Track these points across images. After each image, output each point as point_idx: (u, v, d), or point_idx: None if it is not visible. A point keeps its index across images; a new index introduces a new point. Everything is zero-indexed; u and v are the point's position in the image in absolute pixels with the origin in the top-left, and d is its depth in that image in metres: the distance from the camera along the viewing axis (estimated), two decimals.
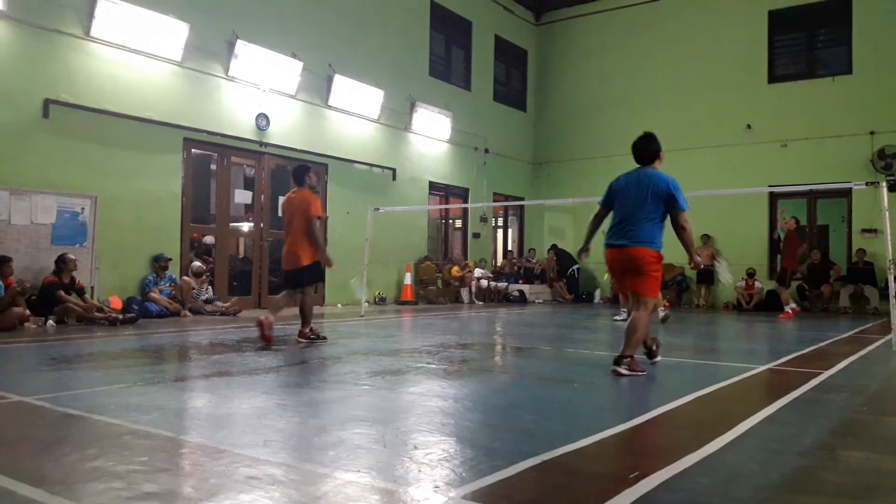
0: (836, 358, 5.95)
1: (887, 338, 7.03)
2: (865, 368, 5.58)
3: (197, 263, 10.12)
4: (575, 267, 16.10)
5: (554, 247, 16.52)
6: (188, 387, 4.29)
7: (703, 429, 3.35)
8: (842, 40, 14.08)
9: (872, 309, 12.67)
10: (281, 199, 11.67)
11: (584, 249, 5.40)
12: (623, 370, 4.76)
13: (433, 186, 14.57)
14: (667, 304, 12.91)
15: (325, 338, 6.66)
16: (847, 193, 13.48)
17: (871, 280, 12.90)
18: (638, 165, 5.08)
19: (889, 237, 6.78)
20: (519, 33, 17.42)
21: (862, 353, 6.42)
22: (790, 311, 11.00)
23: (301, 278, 6.42)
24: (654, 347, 5.39)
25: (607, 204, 5.15)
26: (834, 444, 3.05)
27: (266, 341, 6.10)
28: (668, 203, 4.81)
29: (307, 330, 6.52)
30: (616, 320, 10.85)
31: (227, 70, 10.44)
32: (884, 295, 11.87)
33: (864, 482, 2.51)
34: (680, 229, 4.86)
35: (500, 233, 18.10)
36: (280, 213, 11.72)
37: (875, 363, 5.93)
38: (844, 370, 5.29)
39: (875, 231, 12.90)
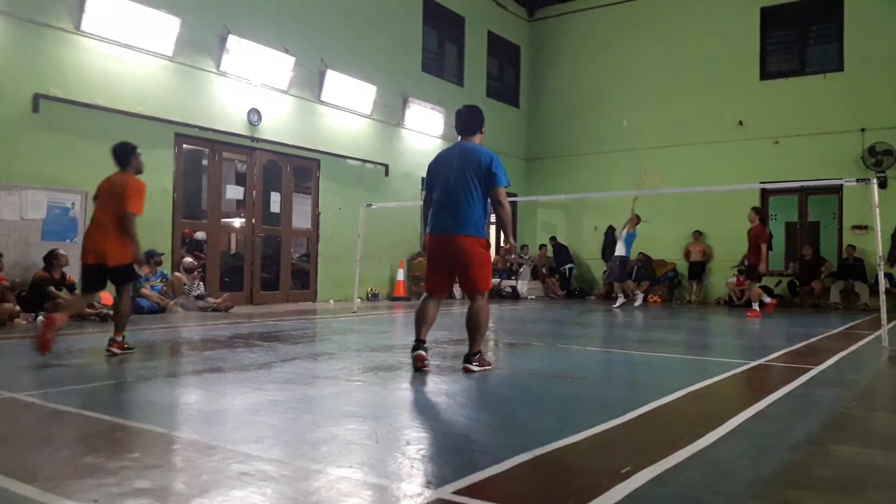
0: (827, 353, 5.98)
1: (877, 333, 7.07)
2: (856, 364, 5.62)
3: (188, 259, 10.07)
4: (567, 266, 16.12)
5: (553, 239, 16.51)
6: (180, 383, 4.27)
7: (694, 424, 3.36)
8: (833, 37, 14.13)
9: (862, 305, 12.76)
10: (274, 196, 11.70)
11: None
12: (474, 367, 4.58)
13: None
14: (659, 299, 12.92)
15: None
16: (838, 190, 13.54)
17: (861, 276, 12.99)
18: (459, 138, 4.79)
19: (879, 233, 6.81)
20: (512, 29, 17.41)
21: (852, 348, 6.47)
22: (758, 309, 10.51)
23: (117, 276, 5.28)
24: None
25: (432, 186, 4.73)
26: (824, 439, 3.07)
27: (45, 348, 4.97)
28: (489, 178, 4.51)
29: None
30: (614, 308, 11.11)
31: (218, 65, 10.38)
32: (874, 291, 11.98)
33: (854, 476, 2.53)
34: (497, 206, 4.56)
35: (492, 229, 18.10)
36: (273, 210, 11.73)
37: (865, 359, 5.97)
38: (835, 366, 5.32)
39: (865, 227, 12.99)
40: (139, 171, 5.59)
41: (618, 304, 12.27)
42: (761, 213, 10.72)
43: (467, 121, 4.78)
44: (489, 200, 4.64)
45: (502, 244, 4.78)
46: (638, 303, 12.57)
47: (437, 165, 4.74)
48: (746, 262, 10.87)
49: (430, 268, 4.77)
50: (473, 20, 16.03)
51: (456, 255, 4.57)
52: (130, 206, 5.21)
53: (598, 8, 16.70)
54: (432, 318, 4.74)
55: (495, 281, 15.06)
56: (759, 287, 13.70)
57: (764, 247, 10.28)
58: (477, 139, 4.78)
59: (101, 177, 8.87)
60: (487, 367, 4.66)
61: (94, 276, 5.27)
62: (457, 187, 4.53)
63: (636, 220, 12.02)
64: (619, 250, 12.05)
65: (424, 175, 5.01)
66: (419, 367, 4.62)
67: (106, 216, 5.26)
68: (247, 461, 2.52)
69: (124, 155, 5.53)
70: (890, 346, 6.47)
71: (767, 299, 10.78)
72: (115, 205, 5.22)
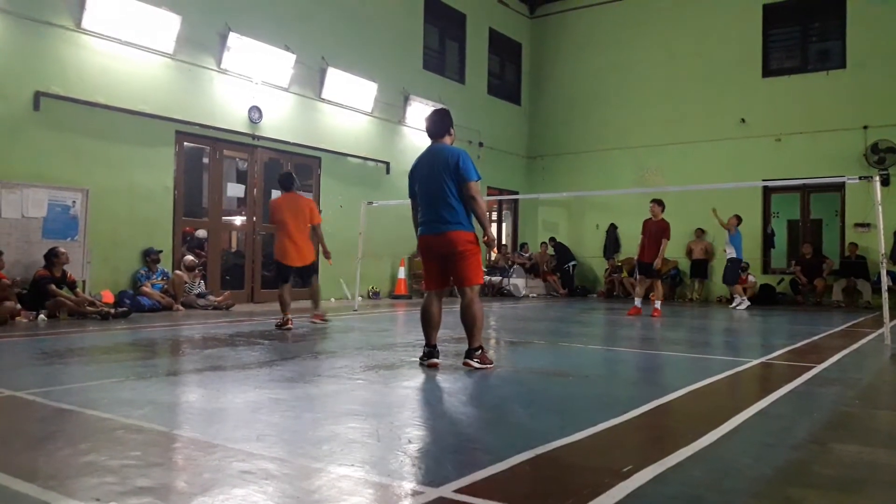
0: (829, 351, 5.97)
1: (879, 331, 7.07)
2: (858, 362, 5.61)
3: (189, 257, 10.08)
4: (571, 263, 16.11)
5: (552, 239, 16.51)
6: (181, 381, 4.28)
7: (696, 422, 3.36)
8: (836, 35, 14.11)
9: (865, 303, 12.75)
10: (275, 194, 11.65)
11: None
12: (475, 363, 4.64)
13: None
14: (662, 298, 12.94)
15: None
16: (840, 188, 13.53)
17: (863, 274, 12.97)
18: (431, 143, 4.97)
19: (882, 231, 6.80)
20: (513, 26, 17.38)
21: (854, 346, 6.46)
22: (637, 307, 10.04)
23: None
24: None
25: (414, 192, 4.92)
26: (826, 438, 3.06)
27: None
28: (457, 174, 4.60)
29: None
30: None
31: (219, 63, 10.38)
32: (876, 289, 11.99)
33: (855, 475, 2.52)
34: (470, 200, 4.62)
35: (493, 227, 18.08)
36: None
37: (867, 357, 5.97)
38: (837, 364, 5.31)
39: (868, 225, 12.97)
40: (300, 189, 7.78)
41: (734, 304, 12.13)
42: (664, 205, 10.07)
43: (436, 124, 4.93)
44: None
45: (482, 239, 4.83)
46: (743, 306, 11.95)
47: (414, 171, 4.92)
48: (637, 259, 10.23)
49: (426, 267, 4.92)
50: (475, 17, 16.01)
51: (445, 250, 4.67)
52: (318, 219, 7.50)
53: (600, 5, 16.68)
54: (438, 318, 4.82)
55: (496, 279, 15.07)
56: (762, 285, 13.71)
57: (666, 242, 9.73)
58: (447, 140, 4.93)
59: (103, 175, 9.00)
60: (489, 366, 4.67)
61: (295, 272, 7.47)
62: (433, 189, 4.68)
63: (735, 220, 12.02)
64: (729, 253, 12.10)
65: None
66: (430, 368, 4.69)
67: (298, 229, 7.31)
68: (248, 459, 2.51)
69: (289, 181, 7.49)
70: (892, 344, 6.46)
71: (658, 304, 10.06)
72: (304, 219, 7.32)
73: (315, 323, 7.65)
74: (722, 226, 12.19)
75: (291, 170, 8.63)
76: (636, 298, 10.20)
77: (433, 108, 5.21)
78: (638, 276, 10.53)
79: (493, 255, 15.33)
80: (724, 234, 12.29)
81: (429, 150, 4.91)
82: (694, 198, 13.99)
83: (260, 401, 3.60)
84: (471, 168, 4.65)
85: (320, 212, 7.74)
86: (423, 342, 4.86)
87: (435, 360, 4.73)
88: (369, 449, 2.71)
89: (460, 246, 4.62)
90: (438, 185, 4.65)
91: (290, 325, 7.07)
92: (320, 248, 7.71)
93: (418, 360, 4.87)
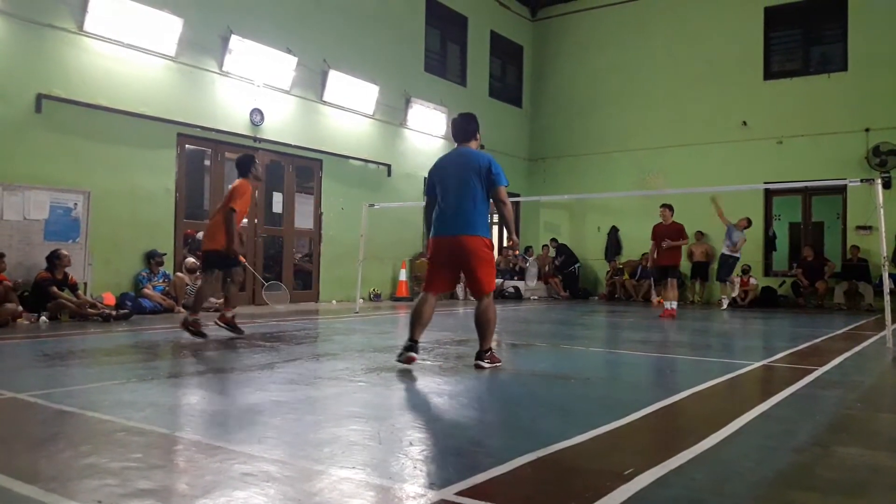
0: (831, 354, 5.97)
1: (881, 334, 7.06)
2: (860, 365, 5.61)
3: (191, 259, 10.07)
4: (576, 265, 16.07)
5: (554, 241, 16.47)
6: (182, 383, 4.28)
7: (698, 425, 3.36)
8: (837, 37, 14.11)
9: (867, 305, 12.73)
10: (276, 196, 11.72)
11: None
12: (486, 364, 4.77)
13: None
14: (661, 300, 12.91)
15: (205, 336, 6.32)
16: (842, 190, 13.52)
17: (865, 276, 12.96)
18: (455, 145, 5.04)
19: (883, 234, 6.79)
20: (515, 29, 17.40)
21: (856, 349, 6.45)
22: (672, 309, 9.94)
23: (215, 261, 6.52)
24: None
25: (434, 191, 4.95)
26: (828, 441, 3.06)
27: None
28: (489, 179, 4.72)
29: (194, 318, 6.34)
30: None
31: (221, 65, 10.40)
32: (878, 291, 11.96)
33: (858, 478, 2.52)
34: (500, 204, 4.79)
35: (495, 229, 18.06)
36: (275, 210, 11.75)
37: (869, 359, 5.96)
38: (839, 366, 5.31)
39: (869, 228, 12.96)
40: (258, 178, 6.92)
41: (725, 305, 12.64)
42: (674, 209, 10.25)
43: (463, 128, 5.03)
44: (489, 201, 4.87)
45: (505, 242, 4.89)
46: (723, 305, 12.73)
47: (438, 172, 4.95)
48: (652, 263, 10.35)
49: (434, 269, 4.93)
50: (476, 20, 16.03)
51: (463, 256, 4.74)
52: (232, 202, 6.39)
53: (602, 7, 16.69)
54: (428, 318, 4.89)
55: (498, 281, 15.05)
56: (763, 287, 13.69)
57: (685, 242, 10.20)
58: (473, 145, 4.99)
59: (104, 177, 9.00)
60: (498, 364, 4.83)
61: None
62: (460, 191, 4.74)
63: (745, 222, 12.26)
64: (726, 249, 12.40)
65: (426, 176, 5.15)
66: (406, 362, 4.75)
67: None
68: (249, 462, 2.51)
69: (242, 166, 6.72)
70: (894, 346, 6.45)
71: (673, 305, 9.96)
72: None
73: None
74: (719, 216, 12.12)
75: (256, 158, 6.69)
76: (666, 303, 10.09)
77: (460, 113, 5.26)
78: (655, 282, 10.66)
79: (516, 254, 15.38)
80: (739, 234, 12.30)
81: (456, 152, 4.96)
82: (695, 200, 13.96)
83: (261, 403, 3.59)
84: (501, 173, 4.78)
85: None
86: (425, 344, 4.88)
87: (413, 355, 4.77)
88: (371, 451, 2.71)
89: (478, 251, 4.71)
90: (464, 189, 4.73)
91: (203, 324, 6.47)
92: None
93: (397, 354, 4.84)
